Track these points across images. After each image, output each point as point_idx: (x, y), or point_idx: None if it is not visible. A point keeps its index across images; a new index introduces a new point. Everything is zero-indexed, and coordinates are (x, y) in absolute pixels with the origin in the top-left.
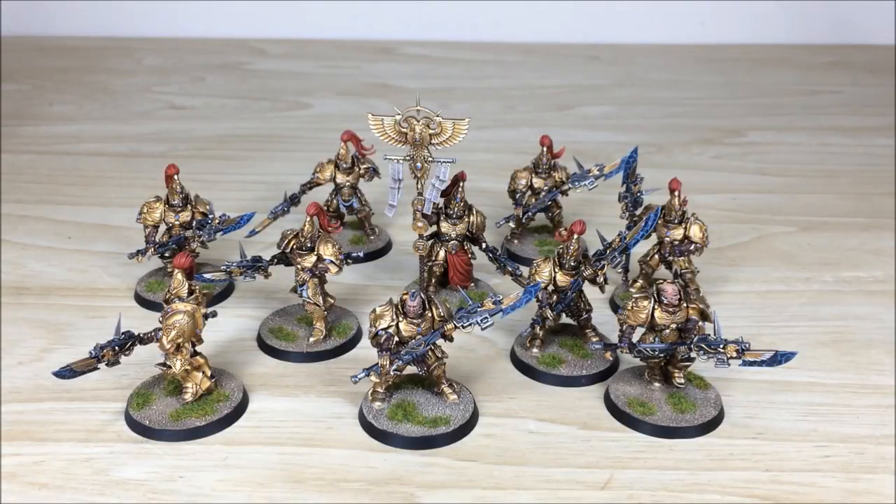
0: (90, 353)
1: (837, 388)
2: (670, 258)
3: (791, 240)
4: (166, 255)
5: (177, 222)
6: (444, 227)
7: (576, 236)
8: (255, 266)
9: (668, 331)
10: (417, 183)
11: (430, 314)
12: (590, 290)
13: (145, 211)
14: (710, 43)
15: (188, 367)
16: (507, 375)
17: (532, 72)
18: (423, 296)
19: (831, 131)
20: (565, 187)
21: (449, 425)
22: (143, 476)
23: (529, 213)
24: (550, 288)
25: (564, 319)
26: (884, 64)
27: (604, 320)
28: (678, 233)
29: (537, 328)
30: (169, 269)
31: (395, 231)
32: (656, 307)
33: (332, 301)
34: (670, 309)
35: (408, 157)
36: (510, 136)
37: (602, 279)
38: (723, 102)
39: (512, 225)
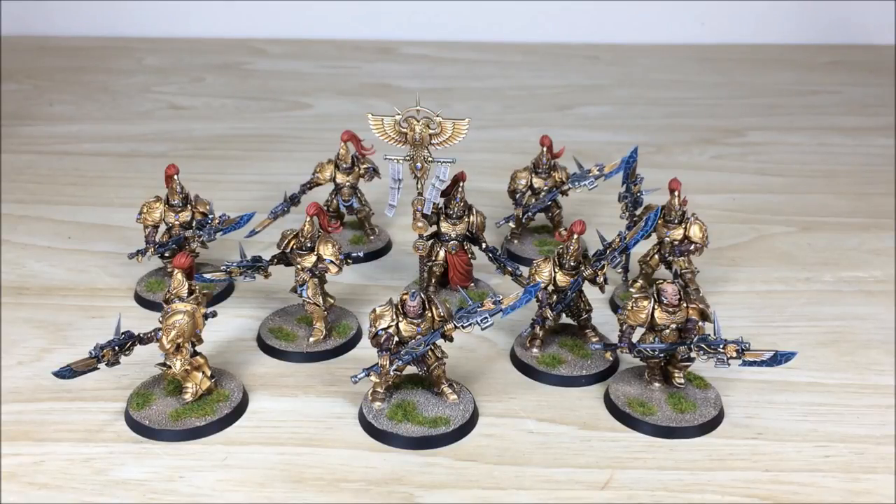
0: (90, 353)
1: (837, 388)
2: (670, 258)
3: (791, 240)
4: (166, 255)
5: (177, 222)
6: (444, 227)
7: (576, 236)
8: (255, 266)
9: (668, 331)
10: (417, 183)
11: (430, 314)
12: (590, 290)
13: (145, 211)
14: (710, 43)
15: (188, 367)
16: (507, 375)
17: (532, 72)
18: (423, 296)
19: (831, 131)
20: (565, 187)
21: (449, 425)
22: (143, 476)
23: (529, 213)
24: (550, 288)
25: (564, 319)
26: (884, 64)
27: (604, 320)
28: (678, 233)
29: (537, 328)
30: (169, 269)
31: (395, 231)
32: (656, 307)
33: (332, 301)
34: (670, 309)
35: (408, 157)
36: (510, 136)
37: (602, 279)
38: (723, 102)
39: (512, 225)
